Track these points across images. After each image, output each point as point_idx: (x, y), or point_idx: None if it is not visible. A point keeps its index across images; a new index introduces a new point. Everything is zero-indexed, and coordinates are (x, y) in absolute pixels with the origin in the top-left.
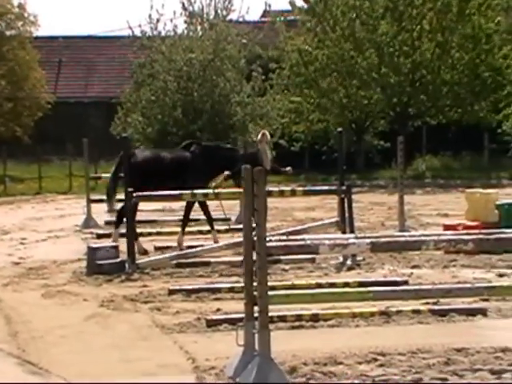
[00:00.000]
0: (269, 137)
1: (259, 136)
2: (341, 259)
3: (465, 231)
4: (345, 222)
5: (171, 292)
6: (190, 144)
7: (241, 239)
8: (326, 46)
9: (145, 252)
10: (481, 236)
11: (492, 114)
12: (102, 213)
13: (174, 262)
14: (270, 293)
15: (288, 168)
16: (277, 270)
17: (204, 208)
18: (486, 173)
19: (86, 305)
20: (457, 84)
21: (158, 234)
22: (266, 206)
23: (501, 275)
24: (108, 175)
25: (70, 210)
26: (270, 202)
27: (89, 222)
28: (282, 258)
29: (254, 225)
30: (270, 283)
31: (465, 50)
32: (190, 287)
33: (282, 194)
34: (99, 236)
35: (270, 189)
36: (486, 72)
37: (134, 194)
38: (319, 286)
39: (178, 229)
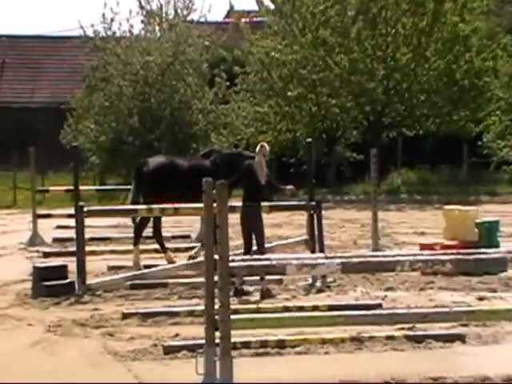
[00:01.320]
0: (268, 149)
1: (258, 147)
2: (310, 281)
3: (442, 251)
4: (314, 240)
5: (125, 316)
6: (210, 152)
7: (202, 259)
8: (294, 52)
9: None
10: (459, 256)
11: (471, 125)
12: (49, 229)
13: (129, 283)
14: (233, 316)
15: (289, 187)
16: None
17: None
18: (465, 188)
19: (30, 330)
20: (434, 92)
21: (112, 252)
22: (261, 224)
23: (480, 299)
24: (56, 188)
25: (13, 226)
26: (233, 217)
27: (35, 240)
28: (247, 278)
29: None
30: (232, 306)
31: (442, 55)
32: (146, 311)
33: None
34: (46, 254)
35: (234, 204)
36: (465, 78)
37: (86, 209)
38: (286, 309)
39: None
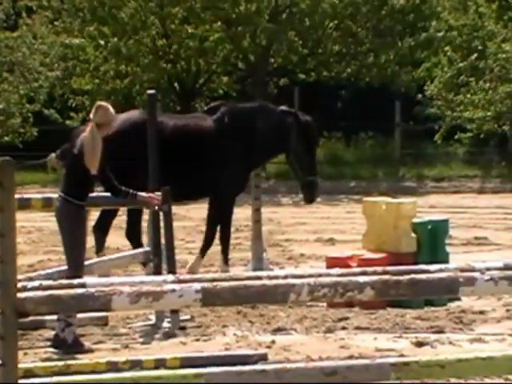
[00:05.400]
0: (110, 113)
1: (92, 111)
2: (153, 319)
3: (361, 269)
4: (159, 254)
5: None
6: (217, 107)
7: None
8: None
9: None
10: (387, 277)
11: (408, 70)
12: None
13: None
14: (23, 382)
15: (156, 194)
16: (37, 340)
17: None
18: (397, 168)
19: None
20: (351, 15)
21: None
22: (78, 231)
23: (420, 343)
24: None
25: None
26: (26, 219)
27: None
28: (48, 318)
29: None
30: (23, 365)
31: None
32: None
33: (48, 204)
34: None
35: (29, 196)
36: None
37: None
38: (114, 367)
39: None
